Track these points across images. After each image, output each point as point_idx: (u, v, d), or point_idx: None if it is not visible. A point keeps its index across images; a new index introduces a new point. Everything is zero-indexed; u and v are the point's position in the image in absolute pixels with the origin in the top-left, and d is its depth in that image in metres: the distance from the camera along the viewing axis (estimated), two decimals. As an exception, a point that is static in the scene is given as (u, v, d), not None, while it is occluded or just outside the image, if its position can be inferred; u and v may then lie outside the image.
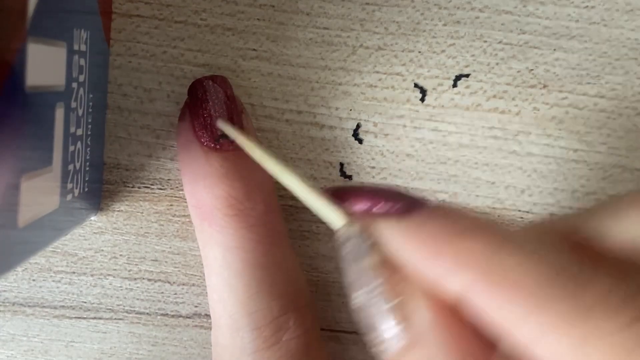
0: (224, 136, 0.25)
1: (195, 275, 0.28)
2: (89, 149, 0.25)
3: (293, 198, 0.28)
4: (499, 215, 0.28)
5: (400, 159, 0.28)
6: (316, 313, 0.27)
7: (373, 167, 0.28)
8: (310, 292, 0.27)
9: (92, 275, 0.28)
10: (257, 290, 0.25)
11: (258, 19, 0.27)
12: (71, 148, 0.23)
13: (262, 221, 0.25)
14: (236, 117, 0.25)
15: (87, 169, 0.25)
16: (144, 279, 0.28)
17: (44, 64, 0.19)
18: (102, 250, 0.28)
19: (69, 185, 0.23)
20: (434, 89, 0.27)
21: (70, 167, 0.23)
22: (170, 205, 0.28)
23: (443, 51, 0.27)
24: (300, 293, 0.26)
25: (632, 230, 0.18)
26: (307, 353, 0.25)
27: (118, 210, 0.28)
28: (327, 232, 0.28)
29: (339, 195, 0.20)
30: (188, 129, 0.25)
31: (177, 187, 0.28)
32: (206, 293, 0.27)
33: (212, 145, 0.25)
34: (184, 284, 0.28)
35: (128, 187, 0.28)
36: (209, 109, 0.25)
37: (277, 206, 0.27)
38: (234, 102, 0.26)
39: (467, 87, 0.27)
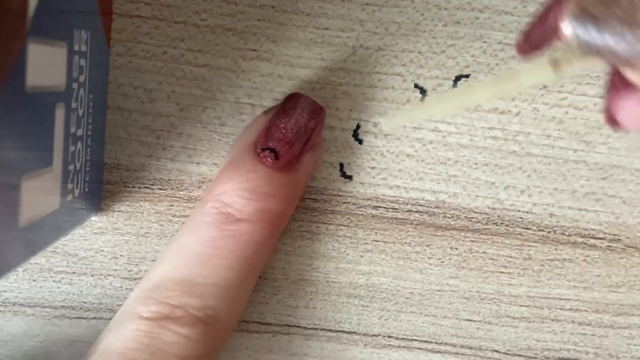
0: (272, 151, 0.25)
1: (196, 275, 0.28)
2: (89, 149, 0.25)
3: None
4: (498, 216, 0.28)
5: (400, 159, 0.28)
6: (215, 348, 0.26)
7: (373, 168, 0.28)
8: (232, 328, 0.26)
9: (92, 276, 0.28)
10: (182, 279, 0.24)
11: (258, 20, 0.27)
12: (71, 148, 0.23)
13: (241, 239, 0.25)
14: (298, 148, 0.25)
15: (88, 169, 0.25)
16: (144, 279, 0.28)
17: (44, 64, 0.20)
18: (103, 250, 0.28)
19: (70, 186, 0.23)
20: (434, 89, 0.27)
21: (71, 167, 0.23)
22: (171, 205, 0.28)
23: (443, 52, 0.27)
24: (219, 316, 0.25)
25: None
26: (172, 352, 0.24)
27: (118, 211, 0.28)
28: (327, 232, 0.28)
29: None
30: (262, 125, 0.26)
31: (177, 187, 0.28)
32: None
33: (259, 150, 0.25)
34: (184, 284, 0.28)
35: (128, 187, 0.28)
36: (285, 125, 0.25)
37: (272, 242, 0.26)
38: (309, 136, 0.26)
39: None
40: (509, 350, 0.29)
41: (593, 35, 0.15)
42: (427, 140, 0.28)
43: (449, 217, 0.28)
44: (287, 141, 0.25)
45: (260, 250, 0.26)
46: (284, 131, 0.25)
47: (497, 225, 0.28)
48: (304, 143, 0.26)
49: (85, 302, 0.28)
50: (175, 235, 0.26)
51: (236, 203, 0.25)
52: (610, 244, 0.28)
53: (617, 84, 0.19)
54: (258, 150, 0.25)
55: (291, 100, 0.26)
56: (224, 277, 0.25)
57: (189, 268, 0.25)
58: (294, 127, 0.25)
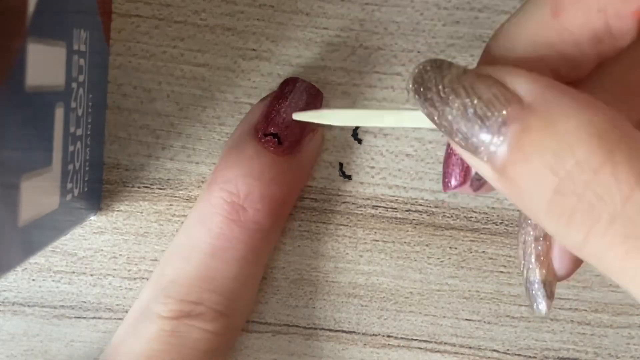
0: (275, 136, 0.25)
1: (195, 275, 0.28)
2: (88, 148, 0.25)
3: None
4: (498, 215, 0.28)
5: (399, 158, 0.28)
6: (234, 338, 0.27)
7: (372, 167, 0.28)
8: (248, 316, 0.27)
9: (91, 275, 0.28)
10: (199, 274, 0.25)
11: (258, 19, 0.27)
12: (71, 148, 0.23)
13: (249, 229, 0.25)
14: (299, 132, 0.25)
15: (87, 168, 0.25)
16: (143, 278, 0.28)
17: (44, 64, 0.20)
18: (102, 250, 0.28)
19: (69, 185, 0.23)
20: (433, 89, 0.27)
21: (70, 167, 0.23)
22: (170, 205, 0.28)
23: (443, 51, 0.27)
24: (237, 306, 0.26)
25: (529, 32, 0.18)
26: (199, 348, 0.25)
27: (118, 210, 0.28)
28: (326, 231, 0.28)
29: None
30: (259, 111, 0.26)
31: (176, 187, 0.28)
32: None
33: (259, 136, 0.25)
34: (183, 284, 0.28)
35: (128, 187, 0.28)
36: (284, 109, 0.25)
37: (278, 229, 0.27)
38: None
39: (467, 87, 0.27)
40: (508, 349, 0.29)
41: (420, 100, 0.18)
42: (426, 140, 0.28)
43: (448, 217, 0.28)
44: (287, 125, 0.25)
45: (268, 238, 0.26)
46: (284, 115, 0.25)
47: (497, 225, 0.28)
48: (303, 127, 0.26)
49: (85, 302, 0.28)
50: (183, 228, 0.26)
51: (241, 191, 0.25)
52: (610, 244, 0.28)
53: (450, 151, 0.24)
54: (259, 135, 0.25)
55: (289, 84, 0.26)
56: (238, 269, 0.25)
57: (204, 262, 0.25)
58: (294, 111, 0.25)
